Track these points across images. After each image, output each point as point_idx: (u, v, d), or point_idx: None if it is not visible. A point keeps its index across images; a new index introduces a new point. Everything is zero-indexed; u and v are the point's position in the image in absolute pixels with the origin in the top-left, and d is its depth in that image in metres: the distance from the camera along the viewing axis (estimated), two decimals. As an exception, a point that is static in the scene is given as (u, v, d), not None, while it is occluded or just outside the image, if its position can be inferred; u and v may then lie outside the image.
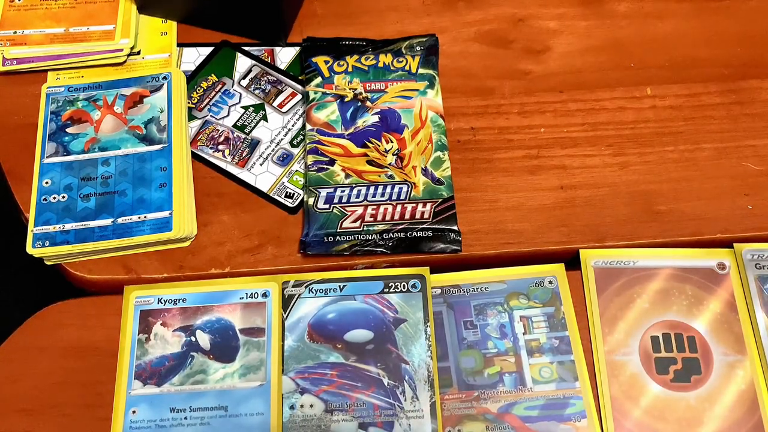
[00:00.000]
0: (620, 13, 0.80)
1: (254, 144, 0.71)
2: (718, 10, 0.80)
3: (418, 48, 0.75)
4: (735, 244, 0.67)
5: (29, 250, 0.64)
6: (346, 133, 0.70)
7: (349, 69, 0.74)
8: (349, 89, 0.72)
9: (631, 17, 0.79)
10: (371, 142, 0.70)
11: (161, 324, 0.63)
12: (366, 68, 0.74)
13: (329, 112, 0.71)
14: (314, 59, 0.74)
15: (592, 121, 0.73)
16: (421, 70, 0.74)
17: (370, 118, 0.71)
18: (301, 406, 0.61)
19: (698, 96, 0.75)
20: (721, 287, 0.66)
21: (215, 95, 0.74)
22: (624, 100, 0.74)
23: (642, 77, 0.76)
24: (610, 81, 0.75)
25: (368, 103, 0.72)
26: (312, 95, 0.72)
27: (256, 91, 0.74)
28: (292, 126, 0.73)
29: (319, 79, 0.73)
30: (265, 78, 0.75)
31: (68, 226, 0.65)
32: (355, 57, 0.74)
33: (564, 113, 0.74)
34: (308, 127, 0.71)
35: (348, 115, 0.71)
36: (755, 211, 0.69)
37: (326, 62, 0.74)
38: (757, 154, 0.72)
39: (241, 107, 0.73)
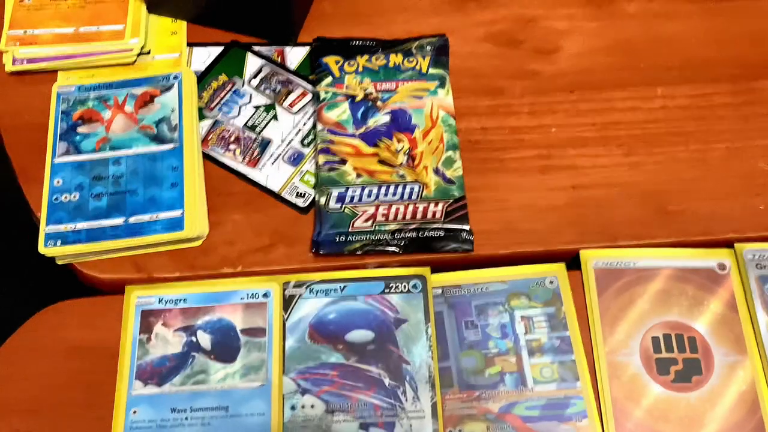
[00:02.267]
0: (630, 14, 0.80)
1: (265, 144, 0.71)
2: (728, 10, 0.80)
3: (428, 48, 0.75)
4: (736, 244, 0.67)
5: (41, 249, 0.64)
6: (358, 132, 0.70)
7: (360, 69, 0.74)
8: (360, 89, 0.72)
9: (641, 18, 0.79)
10: (382, 142, 0.70)
11: (162, 324, 0.63)
12: (376, 68, 0.74)
13: (340, 112, 0.71)
14: (324, 59, 0.74)
15: (603, 121, 0.73)
16: (431, 70, 0.74)
17: (381, 118, 0.71)
18: (302, 406, 0.60)
19: (709, 96, 0.75)
20: (722, 287, 0.66)
21: (226, 95, 0.74)
22: (634, 101, 0.74)
23: (652, 77, 0.76)
24: (620, 81, 0.75)
25: (379, 103, 0.72)
26: (323, 95, 0.72)
27: (267, 91, 0.74)
28: (303, 126, 0.73)
29: (329, 79, 0.73)
30: (276, 78, 0.75)
31: (80, 226, 0.65)
32: (366, 57, 0.74)
33: (575, 113, 0.74)
34: (319, 126, 0.71)
35: (359, 114, 0.71)
36: (767, 210, 0.69)
37: (337, 62, 0.74)
38: (768, 154, 0.72)
39: (252, 107, 0.73)
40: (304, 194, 0.69)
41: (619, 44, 0.78)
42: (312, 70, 0.75)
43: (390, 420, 0.60)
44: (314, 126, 0.72)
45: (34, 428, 0.60)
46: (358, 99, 0.72)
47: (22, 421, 0.60)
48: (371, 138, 0.70)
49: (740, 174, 0.71)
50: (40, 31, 0.75)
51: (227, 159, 0.71)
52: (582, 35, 0.78)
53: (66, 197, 0.66)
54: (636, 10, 0.80)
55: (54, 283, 0.68)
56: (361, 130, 0.71)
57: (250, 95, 0.74)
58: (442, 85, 0.73)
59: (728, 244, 0.68)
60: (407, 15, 0.79)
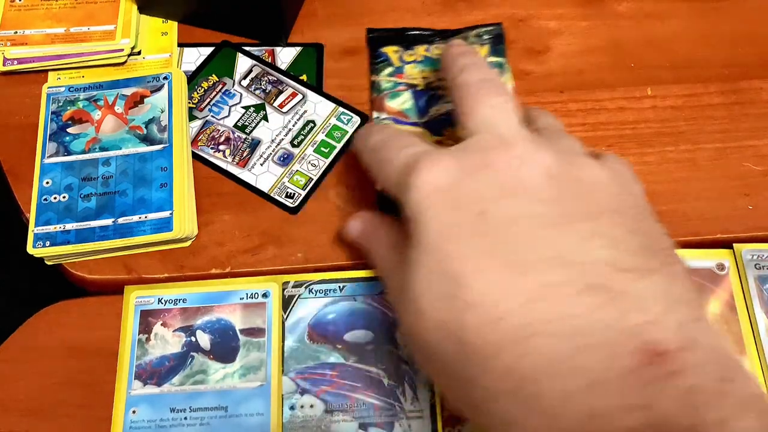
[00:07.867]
0: (621, 14, 0.80)
1: (255, 144, 0.71)
2: (719, 9, 0.80)
3: (485, 37, 0.75)
4: (735, 245, 0.67)
5: (30, 250, 0.64)
6: (421, 121, 0.71)
7: (419, 58, 0.74)
8: (421, 78, 0.72)
9: (632, 17, 0.79)
10: (448, 130, 0.70)
11: (161, 324, 0.63)
12: (435, 57, 0.74)
13: (403, 101, 0.72)
14: (383, 49, 0.74)
15: (593, 121, 0.73)
16: (491, 58, 0.74)
17: (444, 107, 0.71)
18: (302, 406, 0.61)
19: (699, 96, 0.75)
20: (720, 288, 0.66)
21: (216, 95, 0.74)
22: (624, 101, 0.74)
23: (642, 77, 0.76)
24: (610, 81, 0.75)
25: (441, 92, 0.72)
26: (384, 85, 0.72)
27: (257, 91, 0.74)
28: (293, 126, 0.73)
29: (390, 69, 0.73)
30: (266, 78, 0.75)
31: (69, 226, 0.65)
32: (424, 46, 0.74)
33: (564, 113, 0.74)
34: (383, 116, 0.71)
35: (422, 103, 0.71)
36: (756, 211, 0.69)
37: (396, 52, 0.74)
38: (757, 155, 0.72)
39: (242, 107, 0.73)
40: (294, 194, 0.69)
41: (610, 44, 0.78)
42: (370, 61, 0.75)
43: (389, 420, 0.60)
44: (304, 127, 0.72)
45: (32, 428, 0.60)
46: (419, 88, 0.72)
47: (21, 421, 0.60)
48: (436, 126, 0.70)
49: (730, 174, 0.71)
50: (30, 31, 0.75)
51: (217, 159, 0.71)
52: (572, 35, 0.78)
53: (55, 198, 0.67)
54: (627, 9, 0.80)
55: (53, 283, 0.68)
56: (425, 118, 0.71)
57: (241, 95, 0.74)
58: (501, 73, 0.73)
59: (718, 244, 0.67)
60: (397, 15, 0.79)
